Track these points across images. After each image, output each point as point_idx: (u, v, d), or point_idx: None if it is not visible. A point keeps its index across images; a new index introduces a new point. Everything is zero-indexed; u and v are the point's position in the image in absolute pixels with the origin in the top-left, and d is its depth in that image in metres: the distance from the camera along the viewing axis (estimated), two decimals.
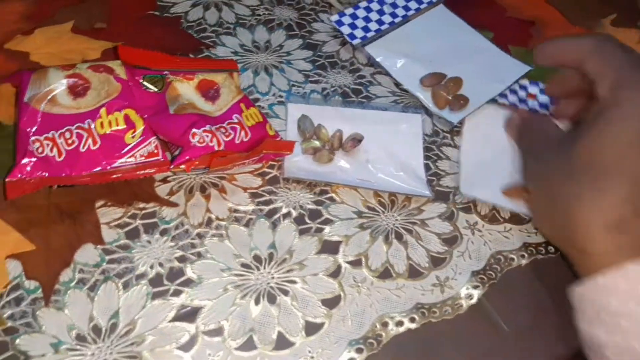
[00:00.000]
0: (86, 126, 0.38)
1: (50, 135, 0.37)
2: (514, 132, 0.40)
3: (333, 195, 0.42)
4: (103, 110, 0.39)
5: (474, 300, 0.37)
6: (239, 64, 0.49)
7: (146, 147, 0.38)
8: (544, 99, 0.48)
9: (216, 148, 0.39)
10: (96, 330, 0.34)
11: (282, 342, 0.34)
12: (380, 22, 0.52)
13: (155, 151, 0.38)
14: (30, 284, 0.35)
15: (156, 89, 0.41)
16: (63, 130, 0.37)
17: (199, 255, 0.37)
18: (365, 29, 0.51)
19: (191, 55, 0.49)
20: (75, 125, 0.38)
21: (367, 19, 0.52)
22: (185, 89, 0.42)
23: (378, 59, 0.50)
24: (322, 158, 0.43)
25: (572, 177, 0.30)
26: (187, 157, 0.38)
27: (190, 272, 0.37)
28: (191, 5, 0.54)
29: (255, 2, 0.55)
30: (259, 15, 0.54)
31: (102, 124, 0.38)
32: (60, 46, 0.47)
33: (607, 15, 0.59)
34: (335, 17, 0.51)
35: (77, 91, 0.39)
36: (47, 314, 0.34)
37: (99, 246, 0.37)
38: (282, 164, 0.42)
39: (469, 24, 0.54)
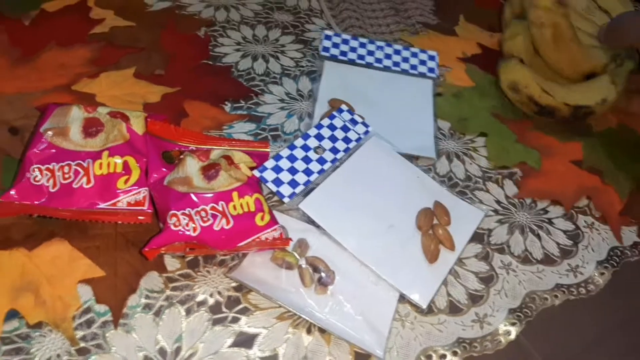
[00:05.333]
0: (85, 164, 0.39)
1: (51, 166, 0.39)
2: None
3: None
4: (105, 153, 0.40)
5: (512, 337, 0.39)
6: (285, 110, 0.51)
7: (134, 196, 0.39)
8: None
9: (191, 233, 0.37)
10: (162, 352, 0.35)
11: None
12: (307, 171, 0.45)
13: (143, 201, 0.40)
14: (101, 308, 0.37)
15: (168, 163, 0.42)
16: (63, 164, 0.39)
17: None
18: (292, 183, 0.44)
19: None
20: (76, 162, 0.39)
21: (292, 170, 0.44)
22: (191, 164, 0.41)
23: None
24: (305, 278, 0.38)
25: None
26: (158, 245, 0.37)
27: None
28: (241, 56, 0.56)
29: (299, 55, 0.58)
30: (302, 66, 0.56)
31: (101, 164, 0.39)
32: (124, 89, 0.50)
33: None
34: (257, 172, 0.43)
35: (89, 131, 0.41)
36: (116, 336, 0.35)
37: (162, 274, 0.39)
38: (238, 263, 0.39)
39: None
